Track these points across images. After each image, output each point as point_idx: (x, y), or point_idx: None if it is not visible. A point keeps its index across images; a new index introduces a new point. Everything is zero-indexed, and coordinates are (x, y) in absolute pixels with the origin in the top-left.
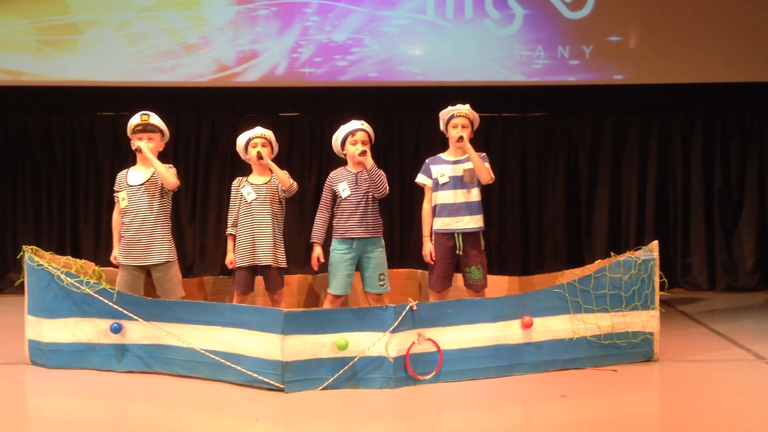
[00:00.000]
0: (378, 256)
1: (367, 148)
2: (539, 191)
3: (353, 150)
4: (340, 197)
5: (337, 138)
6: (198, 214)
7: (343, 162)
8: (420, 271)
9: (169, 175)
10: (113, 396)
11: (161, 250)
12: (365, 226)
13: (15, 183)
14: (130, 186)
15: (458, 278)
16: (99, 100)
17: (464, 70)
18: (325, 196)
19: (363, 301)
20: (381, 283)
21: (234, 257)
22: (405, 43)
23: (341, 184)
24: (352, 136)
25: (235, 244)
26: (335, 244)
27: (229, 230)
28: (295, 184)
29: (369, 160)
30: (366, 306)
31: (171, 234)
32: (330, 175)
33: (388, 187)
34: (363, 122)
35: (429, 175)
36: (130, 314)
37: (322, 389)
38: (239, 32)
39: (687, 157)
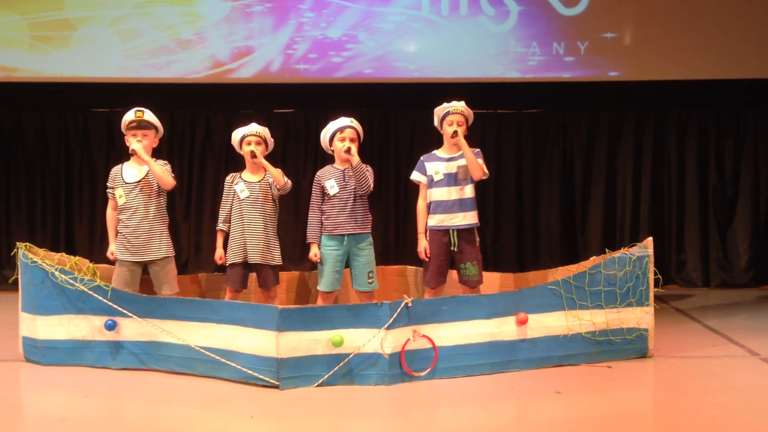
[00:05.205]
0: (367, 254)
1: (353, 146)
2: (534, 188)
3: (340, 147)
4: (328, 194)
5: (325, 134)
6: (193, 211)
7: (333, 159)
8: (412, 267)
9: (165, 175)
10: (108, 393)
11: (160, 245)
12: (354, 222)
13: (9, 180)
14: (126, 183)
15: (453, 274)
16: (93, 97)
17: (459, 66)
18: (315, 194)
19: (355, 298)
20: (370, 281)
21: (222, 253)
22: (400, 40)
23: (329, 181)
24: (340, 132)
25: (224, 240)
26: (325, 241)
27: (220, 226)
28: (290, 182)
29: (355, 157)
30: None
31: (168, 229)
32: (318, 173)
33: (372, 184)
34: (352, 119)
35: (423, 172)
36: (125, 311)
37: (317, 386)
38: (234, 28)
39: (682, 154)
